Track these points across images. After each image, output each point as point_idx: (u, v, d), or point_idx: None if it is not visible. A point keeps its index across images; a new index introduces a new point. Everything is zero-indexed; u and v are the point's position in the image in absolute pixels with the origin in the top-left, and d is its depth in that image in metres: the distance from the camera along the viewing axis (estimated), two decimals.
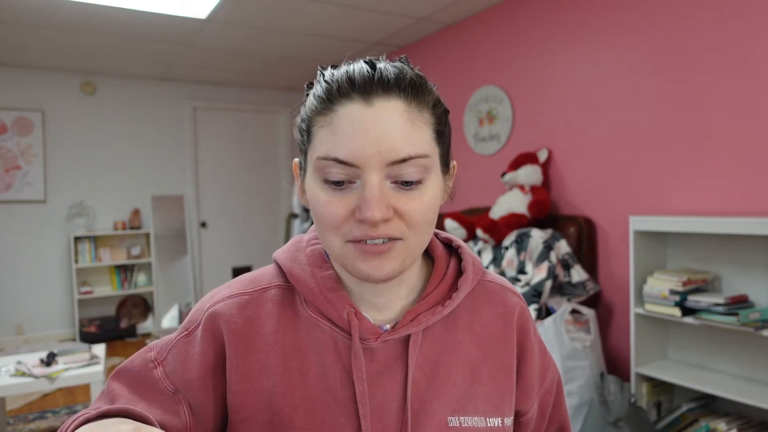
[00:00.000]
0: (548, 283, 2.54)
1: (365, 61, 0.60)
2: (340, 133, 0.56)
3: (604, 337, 2.78)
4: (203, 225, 5.50)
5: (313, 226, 0.72)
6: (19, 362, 2.55)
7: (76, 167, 4.87)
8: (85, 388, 3.51)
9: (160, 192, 5.22)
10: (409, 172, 0.57)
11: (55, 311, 4.84)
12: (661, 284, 2.26)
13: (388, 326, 0.65)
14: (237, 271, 5.63)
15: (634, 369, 2.36)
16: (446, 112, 0.64)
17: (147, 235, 5.14)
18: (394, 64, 0.60)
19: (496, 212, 2.97)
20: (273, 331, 0.65)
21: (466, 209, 3.53)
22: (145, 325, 5.14)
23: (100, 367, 2.53)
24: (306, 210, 4.83)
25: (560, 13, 2.97)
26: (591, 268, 2.79)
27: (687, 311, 2.17)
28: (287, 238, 5.59)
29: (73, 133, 4.85)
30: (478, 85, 3.55)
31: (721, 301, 2.06)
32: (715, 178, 2.31)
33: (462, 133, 3.67)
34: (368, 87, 0.57)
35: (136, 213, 5.07)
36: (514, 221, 2.83)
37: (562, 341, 2.44)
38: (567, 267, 2.63)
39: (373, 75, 0.57)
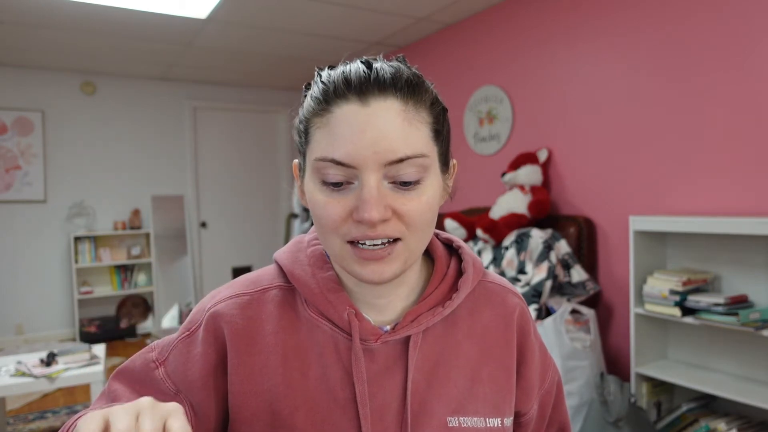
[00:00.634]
0: (548, 283, 2.54)
1: (361, 61, 0.59)
2: (336, 134, 0.56)
3: (604, 337, 2.78)
4: (203, 225, 5.50)
5: (314, 226, 0.72)
6: (19, 362, 2.55)
7: (76, 167, 4.87)
8: (85, 388, 3.51)
9: (160, 192, 5.22)
10: (406, 172, 0.57)
11: (55, 311, 4.84)
12: (661, 284, 2.26)
13: (388, 327, 0.65)
14: (237, 271, 5.63)
15: (634, 369, 2.36)
16: (444, 110, 0.63)
17: (147, 235, 5.14)
18: (390, 63, 0.60)
19: (496, 212, 2.97)
20: (274, 332, 0.65)
21: (466, 209, 3.53)
22: (145, 325, 5.14)
23: (100, 367, 2.53)
24: (306, 210, 4.84)
25: (560, 13, 2.97)
26: (591, 268, 2.79)
27: (687, 311, 2.17)
28: (287, 238, 5.59)
29: (73, 133, 4.85)
30: (478, 85, 3.55)
31: (721, 301, 2.06)
32: (715, 178, 2.31)
33: (462, 133, 3.67)
34: (364, 87, 0.57)
35: (136, 213, 5.07)
36: (514, 221, 2.83)
37: (562, 341, 2.44)
38: (567, 267, 2.63)
39: (369, 75, 0.57)
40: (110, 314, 5.07)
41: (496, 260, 2.86)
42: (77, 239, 4.79)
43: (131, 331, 4.97)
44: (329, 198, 0.58)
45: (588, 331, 2.56)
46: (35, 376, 2.38)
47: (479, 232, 2.89)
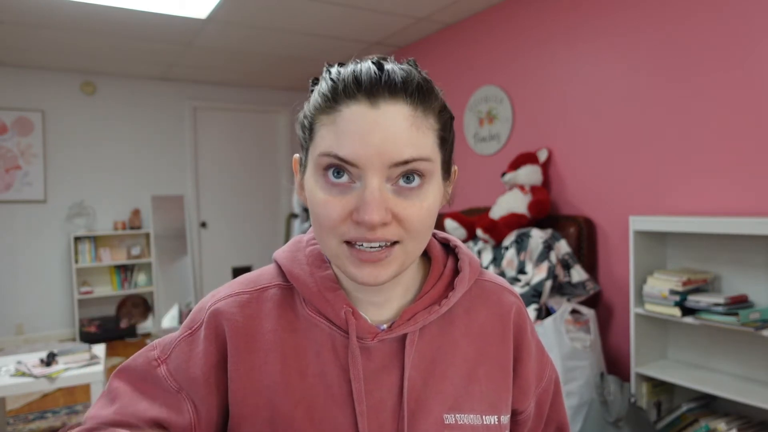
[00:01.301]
0: (548, 283, 2.54)
1: (373, 62, 0.59)
2: (343, 132, 0.56)
3: (604, 337, 2.78)
4: (203, 225, 5.51)
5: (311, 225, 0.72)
6: (19, 362, 2.55)
7: (76, 167, 4.87)
8: (85, 388, 3.51)
9: (160, 192, 5.22)
10: (410, 175, 0.57)
11: (55, 311, 4.84)
12: (661, 284, 2.26)
13: (385, 326, 0.66)
14: (237, 271, 5.63)
15: (634, 369, 2.36)
16: (451, 118, 0.64)
17: (147, 235, 5.14)
18: (401, 66, 0.60)
19: (496, 212, 2.97)
20: (273, 330, 0.65)
21: (466, 209, 3.53)
22: (145, 325, 5.14)
23: (100, 367, 2.53)
24: (306, 210, 4.84)
25: (560, 13, 2.97)
26: (591, 268, 2.79)
27: (687, 311, 2.17)
28: (287, 238, 5.59)
29: (73, 133, 4.85)
30: (478, 85, 3.55)
31: (721, 301, 2.06)
32: (715, 178, 2.31)
33: (462, 133, 3.67)
34: (375, 89, 0.56)
35: (136, 213, 5.07)
36: (514, 221, 2.83)
37: (562, 341, 2.44)
38: (567, 267, 2.64)
39: (380, 77, 0.57)
40: (110, 314, 5.07)
41: (496, 260, 2.86)
42: (77, 239, 4.79)
43: (131, 331, 4.97)
44: (330, 197, 0.57)
45: (588, 331, 2.56)
46: (35, 376, 2.38)
47: (479, 232, 2.89)
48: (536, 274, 2.59)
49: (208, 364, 0.65)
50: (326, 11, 3.41)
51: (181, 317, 5.19)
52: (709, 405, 2.33)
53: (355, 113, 0.56)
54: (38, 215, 4.74)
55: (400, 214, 0.57)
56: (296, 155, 0.68)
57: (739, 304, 2.08)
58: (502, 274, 2.79)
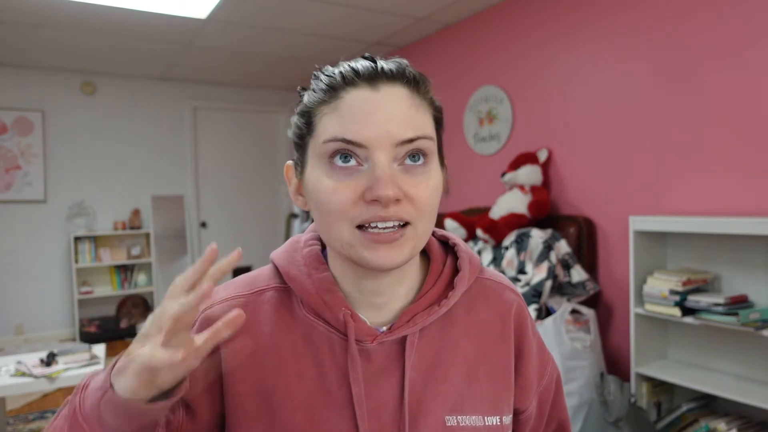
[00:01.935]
0: (548, 283, 2.54)
1: (365, 57, 0.62)
2: (347, 116, 0.58)
3: (604, 337, 2.78)
4: (203, 225, 5.50)
5: (311, 225, 0.72)
6: (19, 362, 2.55)
7: (76, 167, 4.87)
8: None
9: (160, 192, 5.22)
10: (415, 152, 0.59)
11: (55, 311, 4.84)
12: (661, 284, 2.26)
13: (384, 328, 0.65)
14: (237, 271, 5.63)
15: (634, 369, 2.36)
16: (440, 107, 0.66)
17: (147, 235, 5.14)
18: (392, 60, 0.62)
19: (496, 212, 2.97)
20: (270, 333, 0.65)
21: (466, 209, 3.53)
22: None
23: (100, 367, 2.53)
24: (306, 211, 4.83)
25: (560, 13, 2.97)
26: (591, 268, 2.79)
27: (687, 311, 2.17)
28: (287, 238, 5.59)
29: (73, 133, 4.85)
30: (478, 85, 3.55)
31: (721, 301, 2.06)
32: (715, 178, 2.31)
33: (462, 133, 3.67)
34: (373, 75, 0.59)
35: (136, 213, 5.07)
36: (514, 221, 2.83)
37: (562, 341, 2.44)
38: (567, 267, 2.63)
39: (377, 66, 0.59)
40: (110, 314, 5.07)
41: (496, 260, 2.86)
42: (77, 239, 4.79)
43: (131, 331, 4.97)
44: (338, 183, 0.58)
45: (588, 331, 2.56)
46: (35, 376, 2.38)
47: (479, 232, 2.89)
48: (536, 274, 2.59)
49: (200, 368, 0.63)
50: (326, 11, 3.41)
51: None
52: (709, 405, 2.33)
53: (357, 97, 0.58)
54: (38, 215, 4.74)
55: (410, 192, 0.58)
56: (289, 162, 0.68)
57: (739, 304, 2.08)
58: (502, 273, 2.79)
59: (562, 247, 2.66)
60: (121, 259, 4.98)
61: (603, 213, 2.79)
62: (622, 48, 2.65)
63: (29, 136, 4.67)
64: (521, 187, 2.94)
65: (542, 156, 3.02)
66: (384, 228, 0.57)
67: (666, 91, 2.47)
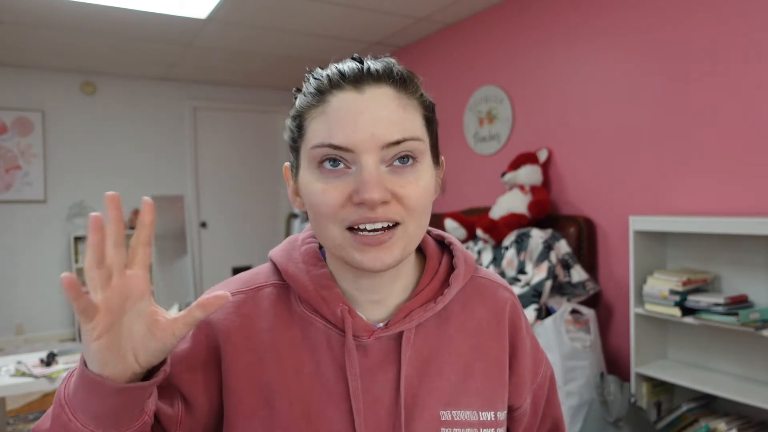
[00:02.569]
0: (548, 283, 2.54)
1: (353, 58, 0.62)
2: (333, 120, 0.58)
3: (604, 337, 2.78)
4: (203, 225, 5.51)
5: (309, 222, 0.73)
6: (19, 362, 2.55)
7: (76, 167, 4.87)
8: None
9: (160, 192, 5.22)
10: (403, 154, 0.59)
11: (55, 311, 4.84)
12: (661, 284, 2.26)
13: (381, 324, 0.66)
14: (237, 271, 5.63)
15: (634, 369, 2.36)
16: (432, 104, 0.65)
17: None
18: (379, 60, 0.63)
19: (496, 212, 2.97)
20: (268, 329, 0.66)
21: (466, 209, 3.53)
22: None
23: None
24: (304, 211, 4.83)
25: (560, 13, 2.97)
26: (591, 268, 2.79)
27: (687, 311, 2.17)
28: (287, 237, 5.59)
29: (73, 133, 4.85)
30: (478, 85, 3.55)
31: (721, 301, 2.06)
32: (715, 178, 2.31)
33: (462, 133, 3.67)
34: (359, 77, 0.59)
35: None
36: (514, 221, 2.83)
37: (562, 341, 2.44)
38: (567, 267, 2.63)
39: (362, 67, 0.60)
40: None
41: (496, 260, 2.86)
42: (77, 239, 4.79)
43: None
44: (327, 185, 0.58)
45: (588, 331, 2.56)
46: (35, 376, 2.38)
47: (479, 232, 2.89)
48: (536, 274, 2.59)
49: (195, 362, 0.65)
50: (326, 11, 3.41)
51: None
52: (709, 405, 2.33)
53: (343, 100, 0.58)
54: (38, 215, 4.74)
55: (399, 192, 0.58)
56: (286, 163, 0.69)
57: (739, 304, 2.08)
58: (502, 274, 2.79)
59: (562, 247, 2.66)
60: None
61: (603, 213, 2.79)
62: (622, 48, 2.65)
63: (29, 136, 4.67)
64: (521, 187, 2.94)
65: (542, 156, 3.02)
66: (373, 230, 0.58)
67: (666, 91, 2.47)
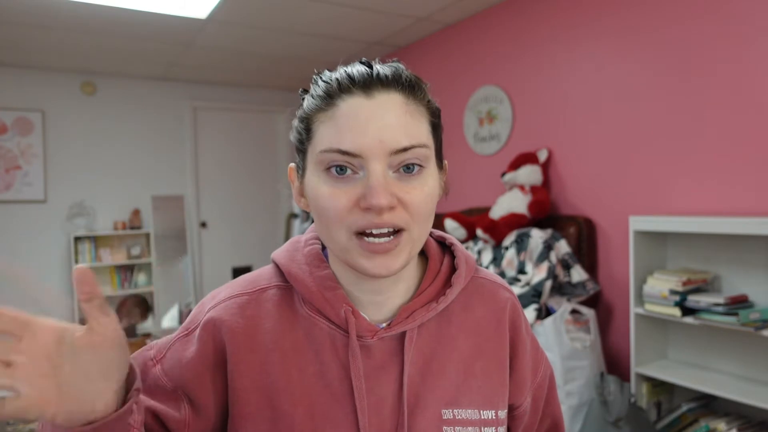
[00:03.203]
0: (548, 283, 2.54)
1: (361, 62, 0.62)
2: (342, 125, 0.58)
3: (604, 337, 2.78)
4: (203, 225, 5.50)
5: (313, 224, 0.73)
6: None
7: (76, 167, 4.87)
8: None
9: (160, 192, 5.22)
10: (410, 161, 0.59)
11: (55, 311, 4.84)
12: (661, 284, 2.26)
13: (383, 324, 0.67)
14: (237, 271, 5.63)
15: (634, 369, 2.36)
16: (438, 109, 0.66)
17: (147, 235, 5.14)
18: (388, 64, 0.63)
19: (496, 212, 2.97)
20: (272, 330, 0.66)
21: (466, 209, 3.53)
22: (145, 325, 5.14)
23: None
24: (306, 211, 4.83)
25: (560, 13, 2.97)
26: (591, 268, 2.79)
27: (687, 311, 2.17)
28: (287, 238, 5.59)
29: (73, 133, 4.85)
30: (478, 85, 3.55)
31: (721, 301, 2.06)
32: (714, 178, 2.31)
33: (462, 133, 3.67)
34: (368, 82, 0.59)
35: (136, 213, 5.07)
36: (514, 221, 2.83)
37: (562, 341, 2.44)
38: (567, 267, 2.63)
39: (371, 72, 0.60)
40: None
41: (496, 260, 2.86)
42: (77, 239, 4.79)
43: (131, 331, 4.96)
44: (335, 189, 0.59)
45: (588, 331, 2.56)
46: None
47: (479, 232, 2.89)
48: (536, 274, 2.59)
49: (203, 364, 0.65)
50: (326, 11, 3.41)
51: (181, 317, 5.18)
52: (709, 405, 2.33)
53: (352, 105, 0.58)
54: (38, 215, 4.74)
55: (404, 198, 0.58)
56: (292, 164, 0.69)
57: (739, 304, 2.08)
58: (502, 274, 2.79)
59: (562, 247, 2.66)
60: (121, 259, 4.98)
61: (603, 213, 2.79)
62: (622, 48, 2.65)
63: (29, 136, 4.66)
64: (521, 187, 2.94)
65: (542, 156, 3.02)
66: (379, 236, 0.58)
67: (666, 91, 2.47)
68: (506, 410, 0.71)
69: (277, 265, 0.71)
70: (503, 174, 3.01)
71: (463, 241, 3.14)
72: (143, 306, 5.14)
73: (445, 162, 0.70)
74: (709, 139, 2.32)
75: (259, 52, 4.33)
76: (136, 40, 3.93)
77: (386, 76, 0.60)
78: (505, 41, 3.35)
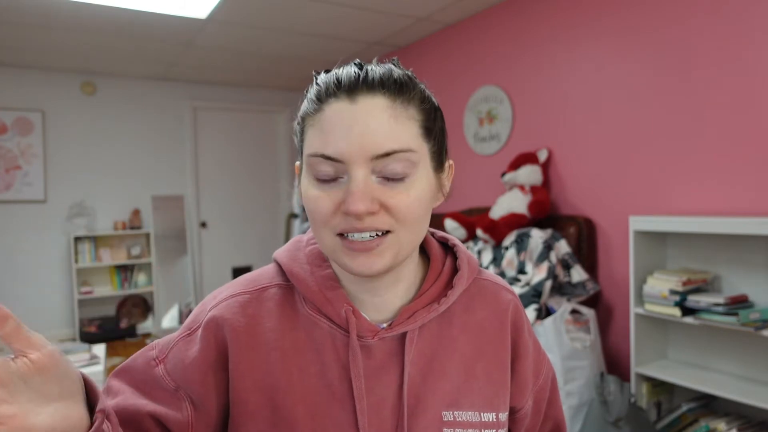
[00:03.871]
0: (548, 283, 2.54)
1: (354, 63, 0.62)
2: (327, 131, 0.59)
3: (604, 337, 2.78)
4: (203, 225, 5.50)
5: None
6: None
7: (76, 167, 4.87)
8: None
9: (160, 192, 5.22)
10: (393, 166, 0.58)
11: (55, 311, 4.84)
12: (661, 284, 2.26)
13: (385, 324, 0.67)
14: (237, 271, 5.63)
15: (634, 369, 2.36)
16: (435, 109, 0.65)
17: (147, 235, 5.14)
18: (382, 65, 0.62)
19: (496, 212, 2.97)
20: (273, 329, 0.66)
21: (466, 209, 3.53)
22: (145, 325, 5.14)
23: (100, 367, 2.53)
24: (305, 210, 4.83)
25: (560, 13, 2.97)
26: (591, 268, 2.79)
27: (687, 311, 2.17)
28: (287, 238, 5.59)
29: (73, 133, 4.85)
30: (478, 85, 3.55)
31: (721, 301, 2.06)
32: (714, 178, 2.31)
33: (462, 133, 3.67)
34: (353, 86, 0.59)
35: (136, 213, 5.07)
36: (514, 221, 2.83)
37: (562, 341, 2.44)
38: (567, 267, 2.63)
39: (359, 75, 0.59)
40: (110, 314, 5.06)
41: (496, 260, 2.86)
42: (77, 239, 4.79)
43: (131, 331, 4.97)
44: (321, 192, 0.60)
45: (588, 331, 2.56)
46: None
47: (479, 232, 2.89)
48: (536, 274, 2.59)
49: (205, 363, 0.65)
50: (326, 11, 3.41)
51: (181, 317, 5.19)
52: (709, 405, 2.33)
53: (336, 110, 0.59)
54: (38, 215, 4.74)
55: (387, 203, 0.58)
56: (297, 162, 0.69)
57: (739, 304, 2.08)
58: (502, 274, 2.79)
59: (562, 247, 2.66)
60: (121, 259, 4.98)
61: (603, 213, 2.79)
62: (622, 48, 2.65)
63: (29, 136, 4.67)
64: (521, 187, 2.94)
65: (542, 156, 3.02)
66: (361, 237, 0.59)
67: (666, 92, 2.47)
68: (507, 413, 0.71)
69: (278, 265, 0.71)
70: (503, 174, 3.01)
71: (463, 241, 3.14)
72: (143, 306, 5.14)
73: (450, 162, 0.69)
74: (709, 139, 2.32)
75: (259, 52, 4.33)
76: (136, 40, 3.94)
77: (373, 79, 0.59)
78: (505, 41, 3.35)
